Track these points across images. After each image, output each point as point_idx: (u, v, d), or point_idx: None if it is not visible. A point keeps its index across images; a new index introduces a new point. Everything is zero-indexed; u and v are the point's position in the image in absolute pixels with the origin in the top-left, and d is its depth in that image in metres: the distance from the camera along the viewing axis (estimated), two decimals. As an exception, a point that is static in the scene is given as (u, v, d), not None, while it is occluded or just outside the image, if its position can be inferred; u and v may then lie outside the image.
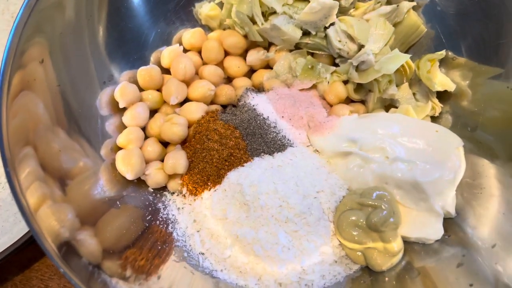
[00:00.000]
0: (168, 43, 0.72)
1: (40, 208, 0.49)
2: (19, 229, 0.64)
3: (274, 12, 0.66)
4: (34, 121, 0.52)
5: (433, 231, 0.54)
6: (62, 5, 0.56)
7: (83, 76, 0.60)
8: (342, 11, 0.66)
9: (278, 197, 0.55)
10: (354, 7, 0.68)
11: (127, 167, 0.58)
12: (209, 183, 0.60)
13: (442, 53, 0.64)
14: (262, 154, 0.60)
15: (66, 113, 0.57)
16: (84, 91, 0.60)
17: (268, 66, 0.71)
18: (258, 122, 0.61)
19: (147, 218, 0.59)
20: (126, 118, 0.62)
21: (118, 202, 0.58)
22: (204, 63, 0.70)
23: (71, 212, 0.53)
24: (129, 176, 0.58)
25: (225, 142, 0.59)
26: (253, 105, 0.63)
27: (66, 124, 0.57)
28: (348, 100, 0.67)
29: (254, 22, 0.68)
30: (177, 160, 0.60)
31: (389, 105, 0.66)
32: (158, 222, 0.59)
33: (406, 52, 0.68)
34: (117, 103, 0.63)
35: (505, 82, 0.59)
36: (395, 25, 0.65)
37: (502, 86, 0.59)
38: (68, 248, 0.49)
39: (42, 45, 0.53)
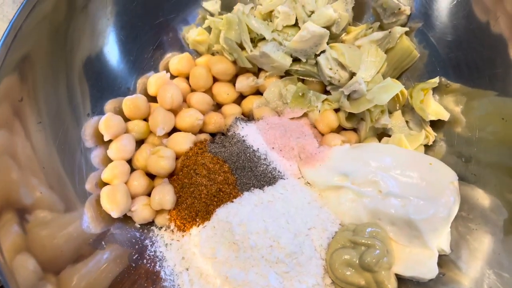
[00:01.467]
0: (154, 68, 0.70)
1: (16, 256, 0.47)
2: None
3: (263, 38, 0.65)
4: (12, 162, 0.50)
5: (428, 270, 0.53)
6: (40, 40, 0.54)
7: (65, 109, 0.58)
8: (333, 37, 0.65)
9: (269, 236, 0.53)
10: (345, 32, 0.66)
11: (112, 204, 0.56)
12: (197, 219, 0.58)
13: (435, 81, 0.62)
14: (252, 188, 0.58)
15: (47, 149, 0.55)
16: (67, 124, 0.58)
17: (257, 91, 0.69)
18: (248, 155, 0.60)
19: (134, 258, 0.57)
20: (112, 151, 0.60)
21: (103, 242, 0.56)
22: (192, 90, 0.68)
23: (43, 260, 0.50)
24: (114, 214, 0.57)
25: (214, 178, 0.58)
26: (243, 136, 0.62)
27: (48, 161, 0.55)
28: (340, 128, 0.66)
29: (243, 48, 0.66)
30: (165, 195, 0.58)
31: (381, 133, 0.65)
32: (145, 260, 0.57)
33: (399, 77, 0.67)
34: (102, 135, 0.61)
35: (498, 111, 0.58)
36: (387, 50, 0.64)
37: (496, 115, 0.58)
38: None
39: (20, 83, 0.51)
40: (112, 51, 0.64)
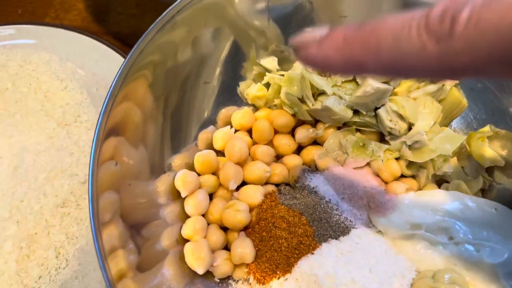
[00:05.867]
0: (212, 123, 0.73)
1: (122, 279, 0.49)
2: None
3: (323, 93, 0.68)
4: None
5: (508, 312, 0.55)
6: (129, 108, 0.56)
7: (148, 170, 0.60)
8: (390, 91, 0.69)
9: (357, 287, 0.55)
10: (399, 85, 0.71)
11: (198, 261, 0.58)
12: (278, 271, 0.59)
13: (487, 130, 0.67)
14: (329, 239, 0.61)
15: (135, 209, 0.57)
16: (148, 184, 0.60)
17: (314, 141, 0.73)
18: (323, 206, 0.62)
19: (221, 313, 0.58)
20: (189, 207, 0.62)
21: (191, 300, 0.57)
22: (254, 143, 0.71)
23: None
24: (200, 271, 0.58)
25: (294, 230, 0.60)
26: (313, 187, 0.64)
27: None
28: (399, 176, 0.69)
29: (303, 102, 0.69)
30: (245, 249, 0.60)
31: (440, 179, 0.68)
32: (231, 316, 0.58)
33: (448, 125, 0.71)
34: (174, 190, 0.63)
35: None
36: (439, 101, 0.68)
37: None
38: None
39: (115, 149, 0.53)
40: (185, 109, 0.67)
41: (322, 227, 0.61)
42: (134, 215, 0.58)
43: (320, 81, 0.68)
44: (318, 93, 0.69)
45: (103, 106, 0.51)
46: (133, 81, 0.56)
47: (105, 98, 0.51)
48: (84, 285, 0.66)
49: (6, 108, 0.79)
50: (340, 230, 0.61)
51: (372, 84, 0.64)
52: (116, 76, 0.53)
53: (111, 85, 0.52)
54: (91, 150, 0.49)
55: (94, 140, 0.50)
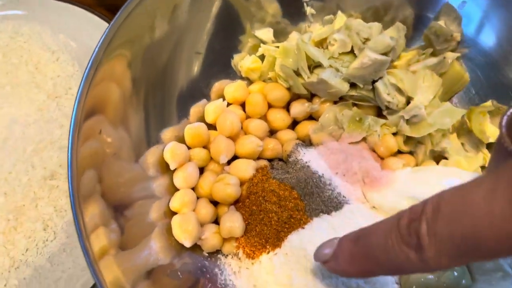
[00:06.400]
0: (206, 96, 0.71)
1: (104, 256, 0.48)
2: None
3: (319, 66, 0.66)
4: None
5: (504, 291, 0.54)
6: (115, 77, 0.54)
7: (135, 142, 0.58)
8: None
9: (347, 262, 0.53)
10: (397, 58, 0.68)
11: (186, 233, 0.56)
12: (267, 246, 0.58)
13: (490, 104, 0.64)
14: (321, 213, 0.59)
15: (121, 182, 0.55)
16: (135, 156, 0.58)
17: (310, 116, 0.70)
18: (315, 180, 0.60)
19: (208, 287, 0.57)
20: (178, 180, 0.60)
21: (179, 273, 0.55)
22: (248, 117, 0.69)
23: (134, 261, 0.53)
24: (187, 244, 0.56)
25: (284, 204, 0.58)
26: (306, 162, 0.62)
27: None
28: (396, 151, 0.67)
29: (298, 75, 0.67)
30: (234, 223, 0.58)
31: (438, 155, 0.66)
32: (219, 290, 0.57)
33: (449, 100, 0.69)
34: (164, 163, 0.62)
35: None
36: (440, 75, 0.66)
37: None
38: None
39: (99, 118, 0.52)
40: (178, 83, 0.65)
41: (314, 201, 0.59)
42: (120, 188, 0.56)
43: (317, 53, 0.65)
44: (314, 66, 0.67)
45: (84, 75, 0.49)
46: (117, 50, 0.54)
47: (87, 67, 0.49)
48: (72, 258, 0.65)
49: (-4, 79, 0.77)
50: (332, 205, 0.60)
51: (369, 55, 0.62)
52: (98, 42, 0.51)
53: (93, 53, 0.50)
54: (71, 118, 0.47)
55: (75, 108, 0.48)
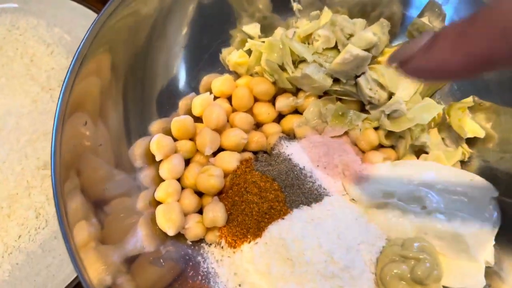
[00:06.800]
0: (195, 89, 0.73)
1: (86, 249, 0.50)
2: (54, 286, 0.63)
3: (304, 60, 0.67)
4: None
5: (475, 281, 0.55)
6: (98, 71, 0.56)
7: (121, 133, 0.60)
8: (371, 59, 0.67)
9: (323, 252, 0.55)
10: (381, 54, 0.70)
11: (169, 222, 0.58)
12: (248, 236, 0.60)
13: (470, 100, 0.65)
14: (301, 205, 0.61)
15: (108, 169, 0.57)
16: (123, 147, 0.60)
17: (296, 110, 0.72)
18: (296, 173, 0.62)
19: (190, 274, 0.59)
20: (164, 171, 0.62)
21: (161, 260, 0.58)
22: (234, 110, 0.71)
23: (115, 255, 0.54)
24: (171, 232, 0.58)
25: (265, 195, 0.60)
26: (288, 155, 0.64)
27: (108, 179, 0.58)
28: (378, 145, 0.68)
29: (283, 69, 0.69)
30: (217, 213, 0.60)
31: (419, 150, 0.67)
32: (200, 277, 0.59)
33: (432, 96, 0.70)
34: (150, 154, 0.64)
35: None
36: (422, 71, 0.67)
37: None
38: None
39: (84, 110, 0.54)
40: (167, 78, 0.67)
41: (294, 193, 0.61)
42: (105, 179, 0.58)
43: (301, 48, 0.67)
44: (299, 61, 0.68)
45: (68, 70, 0.51)
46: (102, 45, 0.56)
47: (72, 60, 0.51)
48: (63, 245, 0.66)
49: (-8, 71, 0.80)
50: (312, 197, 0.61)
51: (351, 50, 0.63)
52: (86, 33, 0.53)
53: (80, 44, 0.52)
54: (58, 102, 0.49)
55: (60, 100, 0.50)
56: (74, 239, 0.50)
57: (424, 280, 0.54)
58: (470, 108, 0.67)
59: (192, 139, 0.67)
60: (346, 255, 0.55)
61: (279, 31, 0.71)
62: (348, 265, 0.55)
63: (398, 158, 0.67)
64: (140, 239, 0.59)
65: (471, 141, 0.67)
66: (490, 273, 0.57)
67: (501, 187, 0.61)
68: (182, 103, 0.71)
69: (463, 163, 0.66)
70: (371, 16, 0.73)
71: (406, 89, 0.65)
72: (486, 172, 0.64)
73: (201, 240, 0.63)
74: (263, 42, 0.70)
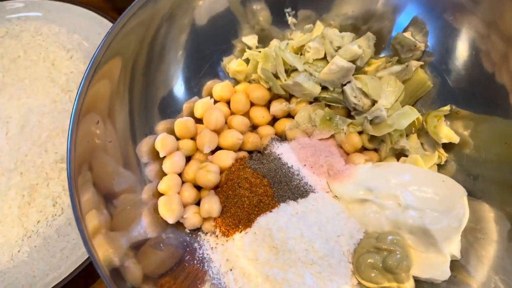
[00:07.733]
0: (198, 94, 0.80)
1: (97, 235, 0.57)
2: (67, 266, 0.71)
3: (296, 70, 0.74)
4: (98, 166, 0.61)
5: (441, 272, 0.61)
6: (110, 76, 0.64)
7: (129, 131, 0.68)
8: (357, 69, 0.74)
9: (304, 241, 0.62)
10: (367, 64, 0.76)
11: (169, 212, 0.66)
12: (240, 226, 0.67)
13: (447, 109, 0.71)
14: (287, 200, 0.67)
15: (116, 164, 0.65)
16: (129, 144, 0.68)
17: (288, 114, 0.79)
18: (284, 171, 0.69)
19: (186, 259, 0.66)
20: (166, 166, 0.70)
21: (161, 245, 0.65)
22: (232, 113, 0.78)
23: (122, 240, 0.61)
24: (170, 220, 0.66)
25: (255, 190, 0.67)
26: (278, 154, 0.71)
27: (116, 174, 0.65)
28: (362, 148, 0.75)
29: (277, 77, 0.76)
30: (212, 205, 0.67)
31: (399, 153, 0.74)
32: (195, 261, 0.66)
33: (414, 104, 0.76)
34: (155, 151, 0.71)
35: (502, 136, 0.67)
36: (404, 81, 0.73)
37: (499, 139, 0.67)
38: (116, 274, 0.57)
39: (97, 110, 0.61)
40: (172, 83, 0.75)
41: (282, 189, 0.68)
42: (114, 173, 0.65)
43: (292, 58, 0.74)
44: (291, 70, 0.75)
45: (83, 75, 0.59)
46: (116, 51, 0.64)
47: (88, 66, 0.59)
48: (76, 231, 0.75)
49: (17, 73, 0.88)
50: (299, 193, 0.68)
51: (337, 62, 0.70)
52: (101, 42, 0.61)
53: (95, 52, 0.60)
54: (74, 104, 0.57)
55: (77, 97, 0.58)
56: (86, 225, 0.56)
57: (394, 269, 0.60)
58: (448, 116, 0.73)
59: (193, 138, 0.75)
60: (325, 245, 0.62)
61: (274, 43, 0.78)
62: (327, 254, 0.62)
63: (380, 160, 0.74)
64: (144, 227, 0.66)
65: (449, 147, 0.73)
66: (457, 266, 0.63)
67: (471, 188, 0.67)
68: (186, 106, 0.78)
69: (440, 166, 0.72)
70: (361, 29, 0.79)
71: (388, 97, 0.71)
72: (460, 175, 0.70)
73: (198, 229, 0.70)
74: (260, 52, 0.77)
